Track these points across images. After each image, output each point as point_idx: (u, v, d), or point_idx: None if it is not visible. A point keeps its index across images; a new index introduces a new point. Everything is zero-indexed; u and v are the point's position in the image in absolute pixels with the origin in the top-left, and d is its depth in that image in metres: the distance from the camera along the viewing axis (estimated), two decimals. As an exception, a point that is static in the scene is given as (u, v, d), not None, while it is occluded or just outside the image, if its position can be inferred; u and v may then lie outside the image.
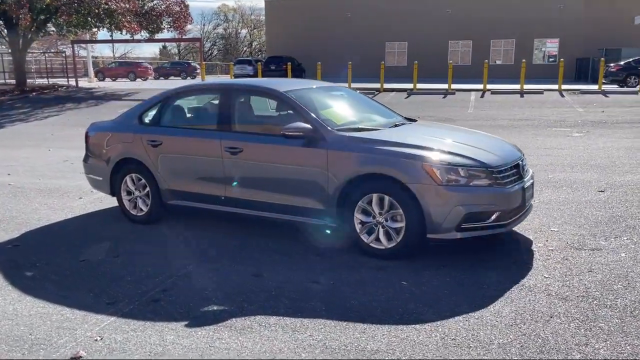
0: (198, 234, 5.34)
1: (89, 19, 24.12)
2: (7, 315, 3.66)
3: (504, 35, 35.21)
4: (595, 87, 21.42)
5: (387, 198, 4.32)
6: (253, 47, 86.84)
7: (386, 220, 4.37)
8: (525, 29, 34.35)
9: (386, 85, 23.09)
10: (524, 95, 19.83)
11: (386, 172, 4.28)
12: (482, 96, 19.89)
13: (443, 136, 4.89)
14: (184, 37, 30.39)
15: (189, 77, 44.62)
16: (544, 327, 3.17)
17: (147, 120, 5.82)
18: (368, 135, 4.66)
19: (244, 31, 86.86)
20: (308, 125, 4.64)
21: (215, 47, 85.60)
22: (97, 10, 23.21)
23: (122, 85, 32.36)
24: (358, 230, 4.51)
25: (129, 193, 5.84)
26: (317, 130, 4.64)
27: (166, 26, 27.43)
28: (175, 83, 34.50)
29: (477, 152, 4.45)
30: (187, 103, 5.90)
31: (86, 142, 6.25)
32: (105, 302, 3.81)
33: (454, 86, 21.86)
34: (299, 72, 35.62)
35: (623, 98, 18.17)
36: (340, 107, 5.43)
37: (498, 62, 35.37)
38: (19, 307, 3.78)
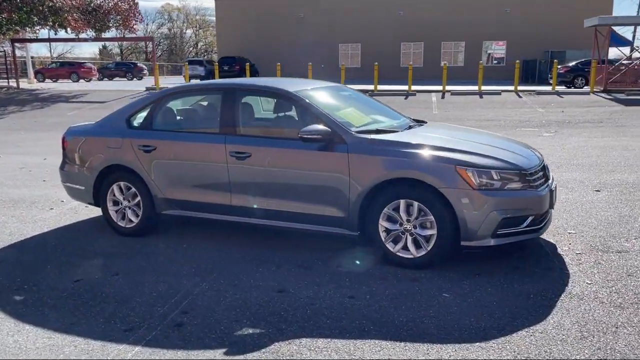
0: (199, 246, 4.94)
1: (32, 16, 22.76)
2: (9, 349, 3.17)
3: (455, 38, 35.89)
4: (549, 88, 22.06)
5: (416, 204, 4.07)
6: (199, 47, 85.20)
7: (415, 228, 4.13)
8: (474, 31, 35.13)
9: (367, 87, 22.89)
10: (483, 96, 20.16)
11: (417, 176, 4.04)
12: (442, 97, 20.10)
13: (466, 138, 4.70)
14: (132, 36, 29.14)
15: (135, 79, 43.13)
16: (615, 340, 3.00)
17: (136, 123, 5.35)
18: (391, 137, 4.40)
19: (189, 31, 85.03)
20: (327, 128, 4.34)
21: (159, 47, 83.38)
22: (41, 8, 21.93)
23: (65, 86, 30.78)
24: (383, 239, 4.24)
25: (116, 203, 5.35)
26: (336, 133, 4.34)
27: (114, 24, 26.28)
28: (119, 84, 33.31)
29: (506, 154, 4.28)
30: (182, 105, 5.48)
31: (63, 147, 5.70)
32: (122, 328, 3.38)
33: (413, 87, 21.98)
34: (252, 73, 35.08)
35: (577, 98, 18.75)
36: (352, 108, 5.15)
37: (448, 63, 35.97)
38: (21, 339, 3.30)
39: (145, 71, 46.10)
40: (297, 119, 4.80)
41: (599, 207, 5.76)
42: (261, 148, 4.63)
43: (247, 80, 5.16)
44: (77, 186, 5.58)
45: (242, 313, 3.53)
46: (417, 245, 4.15)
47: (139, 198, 5.21)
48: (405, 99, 20.12)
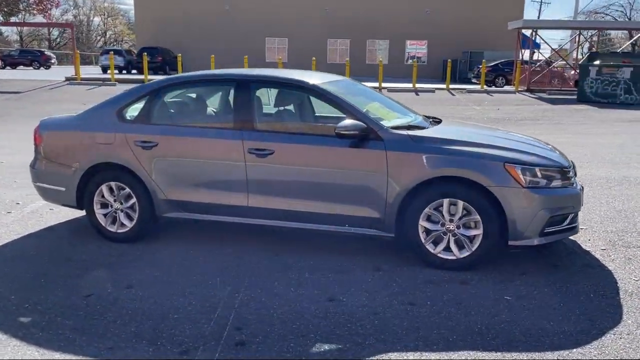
0: (209, 251, 4.52)
1: None
2: (51, 385, 2.67)
3: (379, 36, 36.52)
4: (477, 86, 22.93)
5: (461, 203, 3.93)
6: (107, 36, 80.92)
7: (458, 228, 3.99)
8: (397, 30, 35.95)
9: None
10: (419, 93, 20.60)
11: (465, 174, 3.89)
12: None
13: (498, 135, 4.63)
14: (50, 21, 26.94)
15: (42, 68, 40.09)
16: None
17: (131, 116, 4.80)
18: (431, 134, 4.23)
19: (96, 19, 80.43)
20: (362, 124, 4.09)
21: (65, 35, 78.16)
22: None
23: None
24: (423, 240, 4.07)
25: (105, 205, 4.79)
26: (371, 129, 4.11)
27: (25, 8, 24.19)
28: (28, 73, 30.75)
29: (543, 151, 4.25)
30: (185, 96, 4.98)
31: (36, 143, 5.02)
32: (175, 351, 2.96)
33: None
34: (174, 64, 33.69)
35: (505, 97, 19.64)
36: (376, 103, 4.90)
37: (372, 61, 36.61)
38: (59, 371, 2.79)
39: (54, 60, 43.01)
40: (312, 112, 4.51)
41: (592, 202, 5.93)
42: (286, 145, 4.29)
43: (261, 71, 4.77)
44: (55, 187, 4.94)
45: (303, 326, 3.22)
46: (459, 246, 4.02)
47: (133, 200, 4.69)
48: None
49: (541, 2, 60.01)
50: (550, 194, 3.91)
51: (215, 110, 4.92)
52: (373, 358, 2.86)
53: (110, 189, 4.75)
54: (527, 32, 25.79)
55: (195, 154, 4.50)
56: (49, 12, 24.64)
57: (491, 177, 3.85)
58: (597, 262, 4.20)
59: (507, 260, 4.20)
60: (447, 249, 4.04)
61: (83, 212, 5.42)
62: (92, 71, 32.54)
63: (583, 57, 23.77)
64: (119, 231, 4.77)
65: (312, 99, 4.86)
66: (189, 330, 3.19)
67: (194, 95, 4.99)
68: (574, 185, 4.14)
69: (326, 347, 2.98)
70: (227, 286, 3.83)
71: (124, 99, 4.85)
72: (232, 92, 4.56)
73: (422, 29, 35.96)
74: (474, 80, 28.20)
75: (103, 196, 4.77)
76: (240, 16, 36.11)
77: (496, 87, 25.97)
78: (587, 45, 36.32)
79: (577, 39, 25.12)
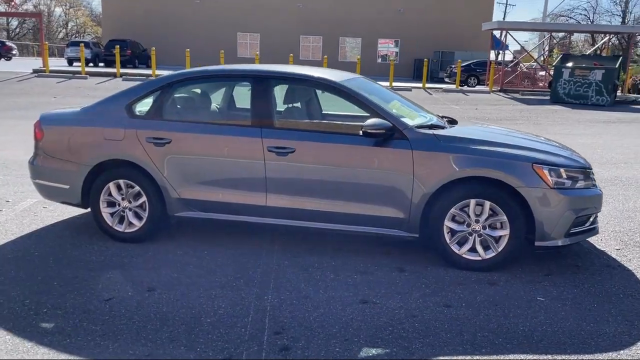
0: (224, 252, 4.40)
1: None
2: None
3: (352, 34, 36.56)
4: (453, 86, 23.19)
5: (487, 203, 3.92)
6: (69, 28, 78.65)
7: (484, 229, 3.98)
8: (370, 29, 36.07)
9: None
10: (396, 92, 20.63)
11: (493, 174, 3.88)
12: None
13: (520, 136, 4.63)
14: (15, 10, 25.93)
15: (3, 59, 38.61)
16: None
17: (141, 111, 4.62)
18: (457, 133, 4.21)
19: (58, 10, 78.02)
20: (389, 123, 4.03)
21: (24, 25, 75.62)
22: None
23: None
24: (448, 241, 4.04)
25: (112, 204, 4.60)
26: (396, 128, 4.06)
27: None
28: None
29: (566, 152, 4.28)
30: (199, 92, 4.82)
31: (37, 138, 4.79)
32: (218, 357, 2.84)
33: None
34: (144, 58, 33.00)
35: (481, 96, 19.93)
36: (395, 101, 4.83)
37: (344, 59, 36.68)
38: (101, 381, 2.64)
39: (15, 51, 41.44)
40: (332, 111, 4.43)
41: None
42: (307, 143, 4.20)
43: (279, 67, 4.65)
44: (58, 184, 4.71)
45: (344, 330, 3.14)
46: (484, 247, 4.01)
47: (143, 198, 4.51)
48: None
49: (507, 4, 61.23)
50: (575, 195, 3.94)
51: (231, 106, 4.78)
52: (425, 362, 2.81)
53: (118, 187, 4.56)
54: (497, 34, 26.22)
55: (210, 152, 4.36)
56: (14, 1, 23.66)
57: (520, 177, 3.85)
58: (616, 262, 4.26)
59: (528, 261, 4.21)
60: (472, 249, 4.02)
61: (81, 211, 5.26)
62: (56, 63, 31.46)
63: (547, 58, 24.36)
64: (127, 231, 4.59)
65: (321, 96, 4.79)
66: (227, 335, 3.07)
67: (208, 91, 4.83)
68: (596, 186, 4.18)
69: (374, 351, 2.92)
70: (253, 288, 3.72)
71: (133, 93, 4.67)
72: (249, 88, 4.42)
73: (394, 27, 36.19)
74: (446, 80, 28.54)
75: (110, 194, 4.58)
76: (211, 10, 35.61)
77: (468, 86, 26.33)
78: (548, 47, 37.20)
79: (547, 41, 25.67)
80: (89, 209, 4.76)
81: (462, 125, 4.70)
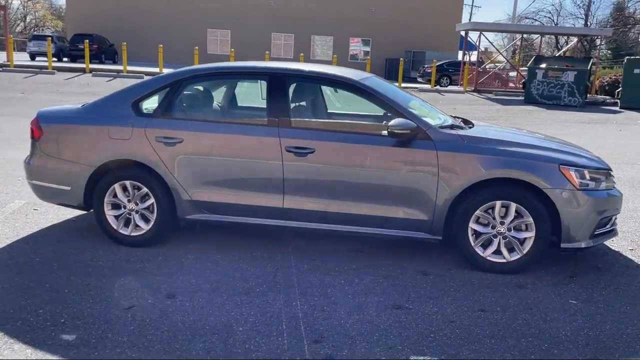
0: (237, 256, 4.24)
1: None
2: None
3: (324, 32, 36.51)
4: (427, 86, 23.36)
5: (513, 205, 3.87)
6: (28, 21, 76.11)
7: (509, 230, 3.94)
8: (341, 27, 36.08)
9: None
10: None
11: (520, 176, 3.84)
12: (335, 91, 20.13)
13: (540, 137, 4.61)
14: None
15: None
16: None
17: (148, 109, 4.42)
18: (482, 134, 4.16)
19: (16, 2, 75.39)
20: (413, 123, 3.95)
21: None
22: None
23: None
24: (472, 243, 3.99)
25: (117, 206, 4.38)
26: (419, 129, 3.98)
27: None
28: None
29: (586, 153, 4.27)
30: (212, 89, 4.63)
31: (35, 136, 4.52)
32: (263, 370, 2.70)
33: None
34: (110, 53, 32.16)
35: (456, 96, 20.13)
36: (414, 101, 4.74)
37: (314, 58, 36.62)
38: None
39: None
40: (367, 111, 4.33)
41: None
42: (327, 143, 4.07)
43: (295, 65, 4.51)
44: (57, 186, 4.46)
45: (385, 337, 3.04)
46: (509, 249, 3.97)
47: (152, 200, 4.31)
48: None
49: (472, 6, 62.27)
50: (599, 196, 3.93)
51: (246, 105, 4.61)
52: (478, 371, 2.74)
53: (124, 188, 4.35)
54: (468, 34, 26.56)
55: (225, 152, 4.19)
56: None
57: (547, 179, 3.82)
58: (634, 263, 4.29)
59: (547, 262, 4.19)
60: (497, 252, 3.98)
61: (76, 212, 5.03)
62: (17, 58, 30.25)
63: (512, 59, 24.81)
64: (133, 234, 4.38)
65: (326, 94, 4.68)
66: (265, 345, 2.93)
67: (221, 89, 4.67)
68: (615, 187, 4.19)
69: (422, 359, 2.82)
70: (278, 294, 3.58)
71: (140, 90, 4.45)
72: (265, 86, 4.27)
73: (366, 27, 36.31)
74: (419, 80, 28.75)
75: (115, 196, 4.35)
76: (181, 5, 34.99)
77: (441, 86, 26.58)
78: (512, 48, 37.91)
79: (520, 42, 26.15)
80: (86, 211, 4.53)
81: (479, 125, 4.64)
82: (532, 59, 20.08)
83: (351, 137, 4.11)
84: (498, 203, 3.89)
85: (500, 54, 27.39)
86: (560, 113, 16.47)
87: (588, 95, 19.78)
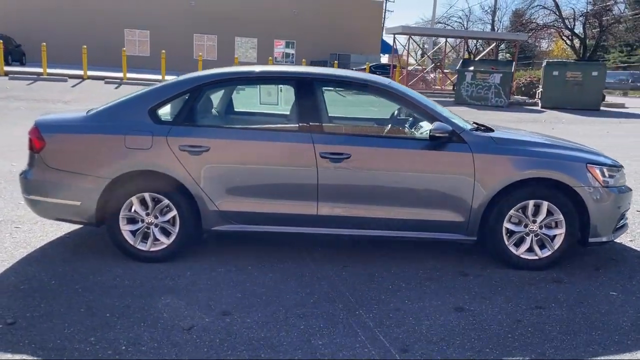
0: (269, 266, 4.10)
1: None
2: None
3: (248, 34, 36.14)
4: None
5: (545, 204, 4.03)
6: None
7: (540, 228, 4.09)
8: (265, 29, 35.91)
9: (129, 75, 20.93)
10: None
11: (552, 175, 4.00)
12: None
13: (557, 138, 4.80)
14: None
15: None
16: None
17: (167, 116, 4.17)
18: (512, 136, 4.28)
19: None
20: (449, 126, 4.01)
21: None
22: None
23: None
24: (506, 242, 4.10)
25: (133, 221, 4.09)
26: (454, 132, 4.04)
27: None
28: None
29: (598, 152, 4.52)
30: (236, 95, 4.43)
31: (35, 148, 4.11)
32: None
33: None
34: (17, 54, 29.93)
35: (390, 98, 20.60)
36: (436, 104, 4.77)
37: (241, 59, 36.18)
38: None
39: None
40: (396, 114, 4.32)
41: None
42: (363, 148, 4.04)
43: (322, 69, 4.42)
44: (64, 201, 4.10)
45: (468, 341, 3.05)
46: (540, 246, 4.13)
47: (173, 212, 4.06)
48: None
49: (385, 10, 64.17)
50: (619, 192, 4.18)
51: (275, 110, 4.46)
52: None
53: (142, 201, 4.07)
54: (388, 38, 27.37)
55: (255, 160, 4.04)
56: None
57: (577, 177, 4.00)
58: (641, 256, 4.59)
59: (567, 257, 4.37)
60: (529, 249, 4.12)
61: (66, 229, 4.68)
62: None
63: (445, 63, 25.91)
64: (153, 249, 4.11)
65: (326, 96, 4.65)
66: (355, 357, 2.85)
67: (245, 94, 4.47)
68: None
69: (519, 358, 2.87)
70: (336, 304, 3.50)
71: (156, 96, 4.18)
72: (294, 91, 4.15)
73: (290, 29, 36.39)
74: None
75: (133, 209, 4.07)
76: (96, 3, 33.24)
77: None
78: (421, 52, 39.55)
79: (445, 46, 27.27)
80: (97, 227, 4.20)
81: (497, 128, 4.77)
82: (460, 63, 21.01)
83: (387, 141, 4.10)
84: (531, 202, 4.03)
85: (428, 56, 28.40)
86: (491, 113, 17.34)
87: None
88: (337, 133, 4.11)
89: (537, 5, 40.74)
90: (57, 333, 3.05)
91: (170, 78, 4.47)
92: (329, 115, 4.53)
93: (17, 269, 3.93)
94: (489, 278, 3.98)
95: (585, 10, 40.29)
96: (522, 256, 4.11)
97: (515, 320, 3.31)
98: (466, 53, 32.52)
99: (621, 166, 4.35)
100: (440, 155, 4.01)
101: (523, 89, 23.08)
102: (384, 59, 37.05)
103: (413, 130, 4.49)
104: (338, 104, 5.25)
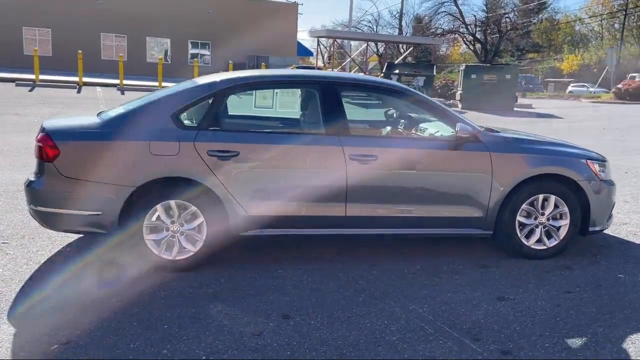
0: (294, 268, 4.13)
1: None
2: None
3: (159, 34, 34.96)
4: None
5: (552, 197, 4.38)
6: None
7: (548, 220, 4.44)
8: (179, 29, 34.91)
9: (28, 76, 19.67)
10: None
11: (560, 171, 4.35)
12: (122, 93, 19.14)
13: (552, 137, 5.18)
14: None
15: None
16: None
17: (192, 122, 4.07)
18: (515, 135, 4.60)
19: None
20: (470, 127, 4.25)
21: None
22: None
23: None
24: (519, 234, 4.41)
25: (156, 230, 3.96)
26: (473, 133, 4.30)
27: None
28: None
29: (586, 148, 4.96)
30: (260, 99, 4.37)
31: (48, 156, 3.83)
32: None
33: (97, 80, 20.61)
34: None
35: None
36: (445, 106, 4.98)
37: (151, 60, 34.98)
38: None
39: None
40: (414, 117, 4.49)
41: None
42: (388, 149, 4.18)
43: (344, 74, 4.49)
44: (82, 212, 3.87)
45: (528, 328, 3.27)
46: (548, 237, 4.48)
47: (201, 219, 3.98)
48: (78, 92, 18.19)
49: (296, 13, 64.68)
50: (610, 185, 4.63)
51: (300, 114, 4.45)
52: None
53: (168, 209, 3.94)
54: (302, 41, 27.72)
55: (285, 163, 4.05)
56: None
57: (580, 172, 4.39)
58: (622, 239, 5.09)
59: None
60: (538, 240, 4.45)
61: (66, 240, 4.47)
62: None
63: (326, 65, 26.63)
64: (178, 258, 4.00)
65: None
66: (437, 350, 2.98)
67: (270, 98, 4.43)
68: (610, 177, 4.94)
69: (580, 342, 3.12)
70: (386, 301, 3.60)
71: (178, 100, 4.07)
72: (319, 95, 4.20)
73: (205, 30, 35.63)
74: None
75: (157, 218, 3.93)
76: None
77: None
78: (327, 54, 40.22)
79: (366, 50, 28.04)
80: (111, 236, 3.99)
81: (501, 129, 5.08)
82: (385, 66, 21.75)
83: (410, 142, 4.27)
84: (541, 196, 4.37)
85: (352, 59, 29.05)
86: (418, 114, 18.16)
87: (430, 97, 22.04)
88: (363, 135, 4.21)
89: (443, 12, 42.98)
90: (124, 348, 2.91)
91: (187, 84, 4.34)
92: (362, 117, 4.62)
93: (43, 288, 3.66)
94: (508, 269, 4.25)
95: (484, 18, 43.15)
96: (533, 247, 4.43)
97: (555, 305, 3.59)
98: (384, 56, 33.66)
99: (607, 160, 4.81)
100: (461, 154, 4.23)
101: (439, 90, 24.31)
102: (317, 61, 37.08)
103: (414, 131, 4.71)
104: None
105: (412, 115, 5.03)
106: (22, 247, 4.37)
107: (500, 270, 4.21)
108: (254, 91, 4.41)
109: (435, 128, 4.68)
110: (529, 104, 23.99)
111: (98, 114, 4.20)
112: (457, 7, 41.38)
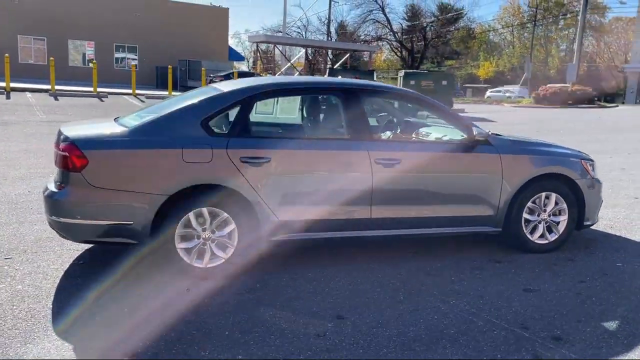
0: (328, 270, 4.22)
1: None
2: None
3: (82, 36, 33.44)
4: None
5: (553, 195, 4.73)
6: None
7: (549, 216, 4.79)
8: (103, 32, 33.60)
9: None
10: (103, 99, 19.99)
11: (560, 171, 4.70)
12: (56, 98, 18.58)
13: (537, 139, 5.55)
14: None
15: None
16: None
17: (221, 128, 4.06)
18: (518, 138, 4.92)
19: None
20: (484, 131, 4.52)
21: None
22: None
23: None
24: (524, 230, 4.73)
25: (188, 238, 3.92)
26: (485, 136, 4.57)
27: None
28: None
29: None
30: (285, 105, 4.39)
31: (75, 166, 3.69)
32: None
33: (23, 85, 19.88)
34: None
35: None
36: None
37: (76, 63, 33.46)
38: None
39: None
40: (412, 121, 4.71)
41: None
42: (411, 153, 4.36)
43: (364, 81, 4.61)
44: (111, 222, 3.77)
45: (557, 313, 3.54)
46: (549, 231, 4.83)
47: (232, 226, 3.97)
48: (7, 98, 17.36)
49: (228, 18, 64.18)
50: (599, 183, 5.06)
51: (320, 119, 4.52)
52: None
53: (199, 216, 3.91)
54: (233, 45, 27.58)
55: (315, 168, 4.13)
56: None
57: (577, 171, 4.78)
58: (605, 232, 5.55)
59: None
60: (541, 235, 4.79)
61: (77, 252, 4.36)
62: None
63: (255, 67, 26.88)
64: (210, 265, 3.97)
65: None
66: (493, 342, 3.16)
67: (296, 105, 4.47)
68: (596, 176, 5.38)
69: (613, 325, 3.41)
70: (427, 298, 3.76)
71: (206, 108, 4.04)
72: (342, 101, 4.31)
73: (132, 33, 34.51)
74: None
75: (189, 226, 3.89)
76: None
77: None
78: (253, 59, 40.25)
79: (306, 54, 28.24)
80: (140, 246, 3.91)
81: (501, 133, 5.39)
82: (328, 71, 22.06)
83: (429, 145, 4.47)
84: (543, 194, 4.71)
85: (291, 64, 29.15)
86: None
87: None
88: (386, 140, 4.36)
89: (371, 19, 44.10)
90: (195, 355, 2.88)
91: (209, 90, 4.31)
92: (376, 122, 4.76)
93: (71, 302, 3.52)
94: (519, 262, 4.54)
95: (409, 27, 44.76)
96: (536, 241, 4.76)
97: (576, 294, 3.90)
98: (312, 62, 34.06)
99: (594, 160, 5.25)
100: (476, 157, 4.49)
101: (375, 95, 24.95)
102: (244, 66, 36.93)
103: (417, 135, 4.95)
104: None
105: (410, 119, 5.28)
106: (31, 262, 4.16)
107: (513, 265, 4.49)
108: (281, 97, 4.45)
109: (438, 132, 4.92)
110: (461, 108, 25.16)
111: (115, 119, 4.08)
112: (385, 15, 42.73)
